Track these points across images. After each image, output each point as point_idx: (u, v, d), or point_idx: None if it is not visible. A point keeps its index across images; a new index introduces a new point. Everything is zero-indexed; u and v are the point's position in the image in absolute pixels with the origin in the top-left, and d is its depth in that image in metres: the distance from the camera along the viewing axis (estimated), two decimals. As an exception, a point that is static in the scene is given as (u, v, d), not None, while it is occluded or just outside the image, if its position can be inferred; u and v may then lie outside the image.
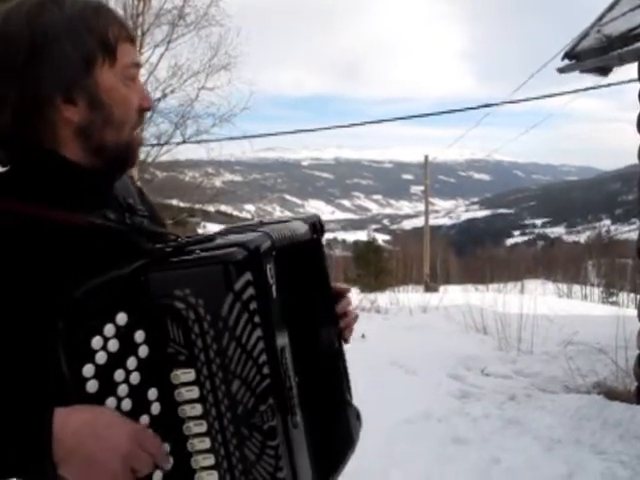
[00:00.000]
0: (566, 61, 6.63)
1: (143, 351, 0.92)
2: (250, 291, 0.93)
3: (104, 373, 0.89)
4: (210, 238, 1.00)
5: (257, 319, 0.93)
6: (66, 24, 0.94)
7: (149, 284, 0.92)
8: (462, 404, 5.62)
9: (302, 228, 1.15)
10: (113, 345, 0.89)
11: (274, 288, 0.98)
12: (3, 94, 0.94)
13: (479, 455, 4.26)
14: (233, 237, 1.00)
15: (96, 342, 0.88)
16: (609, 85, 8.05)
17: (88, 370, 0.88)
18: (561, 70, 6.69)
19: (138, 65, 1.05)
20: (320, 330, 1.19)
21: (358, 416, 1.27)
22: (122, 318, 0.90)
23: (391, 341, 8.10)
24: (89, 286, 0.89)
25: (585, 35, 6.47)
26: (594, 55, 6.18)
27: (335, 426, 1.21)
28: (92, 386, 0.88)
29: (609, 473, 3.92)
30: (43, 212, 0.93)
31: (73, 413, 0.86)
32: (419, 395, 5.72)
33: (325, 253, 1.22)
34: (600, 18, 6.56)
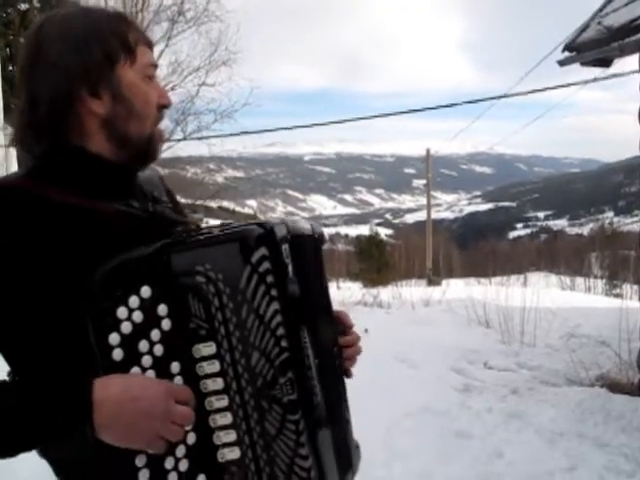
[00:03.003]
0: (567, 53, 6.61)
1: (166, 324, 0.95)
2: (266, 265, 0.96)
3: (129, 343, 0.93)
4: (228, 224, 1.06)
5: (274, 292, 0.96)
6: (93, 28, 1.06)
7: (171, 261, 0.96)
8: (464, 398, 5.62)
9: (308, 226, 1.19)
10: (137, 316, 0.93)
11: (290, 267, 1.02)
12: (38, 92, 1.04)
13: (481, 449, 4.27)
14: (247, 222, 1.06)
15: (121, 312, 0.92)
16: (613, 76, 8.01)
17: (114, 338, 0.91)
18: (562, 63, 6.66)
19: (155, 66, 1.15)
20: (322, 329, 1.18)
21: (357, 446, 1.27)
22: (146, 291, 0.94)
23: (393, 335, 8.10)
24: (115, 262, 0.94)
25: (585, 27, 6.44)
26: (595, 47, 6.15)
27: (347, 423, 1.21)
28: (118, 354, 0.92)
29: (612, 466, 3.92)
30: (73, 200, 1.01)
31: (109, 381, 0.90)
32: (421, 389, 5.73)
33: (324, 260, 1.24)
34: (600, 9, 6.53)
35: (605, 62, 6.66)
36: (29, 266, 0.95)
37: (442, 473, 3.88)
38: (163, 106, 1.14)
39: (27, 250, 0.95)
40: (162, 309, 0.95)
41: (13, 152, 10.21)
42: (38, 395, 0.90)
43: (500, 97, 12.17)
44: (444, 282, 21.74)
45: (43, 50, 1.05)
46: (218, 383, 0.96)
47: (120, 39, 1.07)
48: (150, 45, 1.14)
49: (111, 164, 1.08)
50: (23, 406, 0.89)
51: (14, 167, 10.17)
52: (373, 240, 30.71)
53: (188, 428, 0.95)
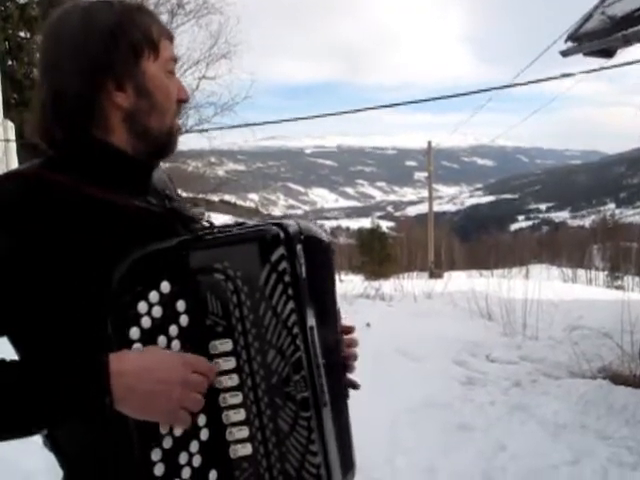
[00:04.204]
0: (569, 44, 6.56)
1: (184, 320, 0.96)
2: (284, 264, 0.98)
3: (148, 337, 0.93)
4: (243, 222, 1.07)
5: (291, 292, 0.98)
6: (118, 21, 1.05)
7: (190, 257, 0.97)
8: (467, 390, 5.62)
9: (322, 230, 1.20)
10: (157, 311, 0.93)
11: (304, 268, 1.03)
12: (63, 84, 1.04)
13: (485, 442, 4.26)
14: (263, 221, 1.07)
15: (142, 306, 0.92)
16: (616, 66, 7.95)
17: (134, 333, 0.92)
18: (564, 53, 6.62)
19: (176, 60, 1.15)
20: (329, 329, 1.18)
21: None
22: (166, 287, 0.94)
23: (395, 328, 8.09)
24: (136, 256, 0.94)
25: (588, 17, 6.39)
26: (598, 37, 6.10)
27: (347, 422, 1.21)
28: (137, 349, 0.92)
29: (615, 459, 3.91)
30: (94, 192, 1.01)
31: (125, 354, 0.91)
32: (424, 382, 5.72)
33: (334, 264, 1.25)
34: (604, -1, 6.48)
35: (608, 52, 6.62)
36: (47, 255, 0.95)
37: (446, 467, 3.88)
38: (181, 100, 1.15)
39: (45, 239, 0.95)
40: (181, 305, 0.96)
41: (13, 146, 10.18)
42: (54, 370, 0.90)
43: (502, 87, 12.10)
44: (446, 274, 21.72)
45: (67, 42, 1.04)
46: (233, 380, 0.97)
47: (145, 33, 1.07)
48: (171, 38, 1.14)
49: (132, 159, 1.09)
50: (40, 381, 0.89)
51: (14, 161, 10.15)
52: (375, 233, 30.66)
53: (202, 424, 0.96)
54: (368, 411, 4.33)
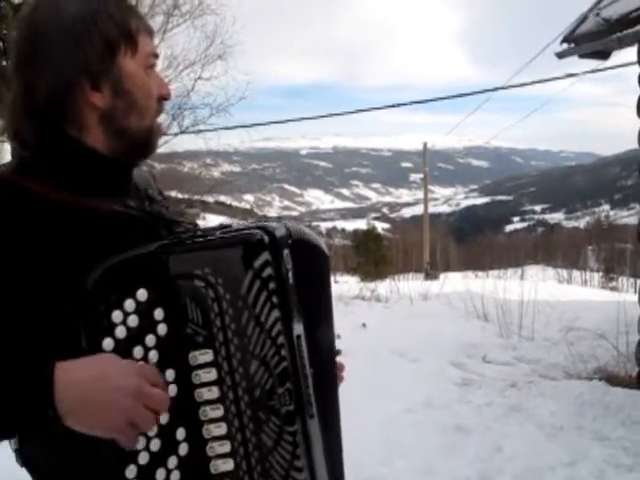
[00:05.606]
0: (565, 45, 6.57)
1: (162, 329, 0.91)
2: (269, 271, 0.93)
3: (123, 348, 0.88)
4: (227, 225, 1.03)
5: (275, 300, 0.93)
6: (91, 14, 1.00)
7: (170, 263, 0.92)
8: (464, 392, 5.61)
9: (317, 235, 1.15)
10: (133, 320, 0.89)
11: (291, 274, 0.98)
12: (35, 80, 0.98)
13: (481, 443, 4.25)
14: (250, 224, 1.03)
15: (116, 316, 0.88)
16: (610, 68, 7.97)
17: (108, 344, 0.87)
18: (560, 55, 6.62)
19: (156, 55, 1.10)
20: (319, 338, 1.12)
21: None
22: (142, 294, 0.90)
23: (392, 329, 8.08)
24: (111, 263, 0.89)
25: (584, 18, 6.39)
26: (593, 39, 6.11)
27: (338, 435, 1.16)
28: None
29: (611, 460, 3.91)
30: (68, 197, 0.96)
31: (72, 363, 0.84)
32: (420, 383, 5.72)
33: (329, 268, 1.19)
34: (599, 1, 6.49)
35: (603, 54, 6.63)
36: (15, 266, 0.90)
37: (443, 469, 3.87)
38: (163, 97, 1.10)
39: (14, 249, 0.90)
40: (158, 313, 0.91)
41: (7, 147, 10.15)
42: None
43: (497, 89, 12.14)
44: (442, 276, 21.75)
45: (40, 36, 0.99)
46: (214, 392, 0.92)
47: (121, 27, 1.02)
48: (151, 33, 1.09)
49: (108, 160, 1.03)
50: None
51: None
52: (370, 234, 30.68)
53: (180, 438, 0.91)
54: (365, 412, 4.32)
